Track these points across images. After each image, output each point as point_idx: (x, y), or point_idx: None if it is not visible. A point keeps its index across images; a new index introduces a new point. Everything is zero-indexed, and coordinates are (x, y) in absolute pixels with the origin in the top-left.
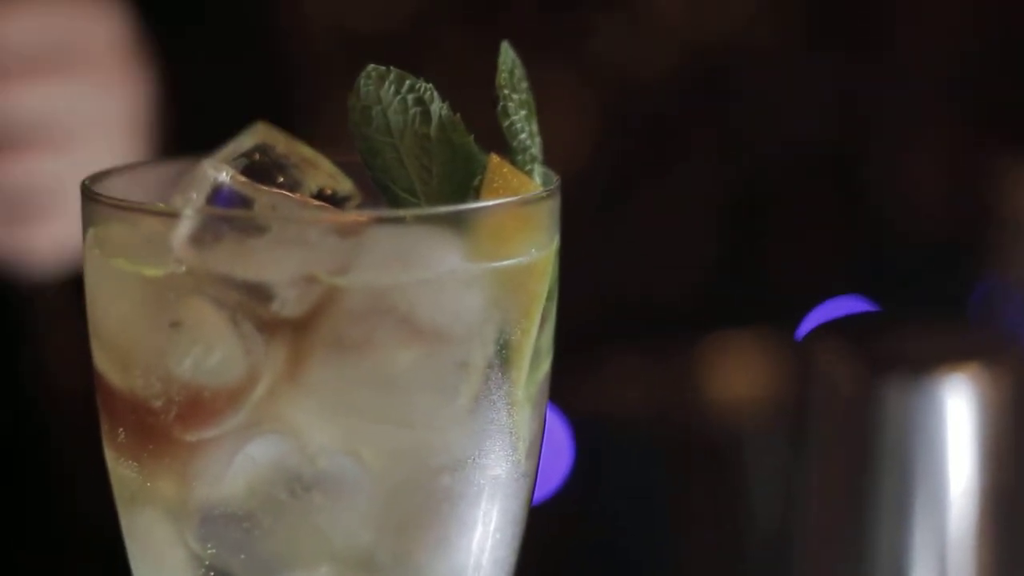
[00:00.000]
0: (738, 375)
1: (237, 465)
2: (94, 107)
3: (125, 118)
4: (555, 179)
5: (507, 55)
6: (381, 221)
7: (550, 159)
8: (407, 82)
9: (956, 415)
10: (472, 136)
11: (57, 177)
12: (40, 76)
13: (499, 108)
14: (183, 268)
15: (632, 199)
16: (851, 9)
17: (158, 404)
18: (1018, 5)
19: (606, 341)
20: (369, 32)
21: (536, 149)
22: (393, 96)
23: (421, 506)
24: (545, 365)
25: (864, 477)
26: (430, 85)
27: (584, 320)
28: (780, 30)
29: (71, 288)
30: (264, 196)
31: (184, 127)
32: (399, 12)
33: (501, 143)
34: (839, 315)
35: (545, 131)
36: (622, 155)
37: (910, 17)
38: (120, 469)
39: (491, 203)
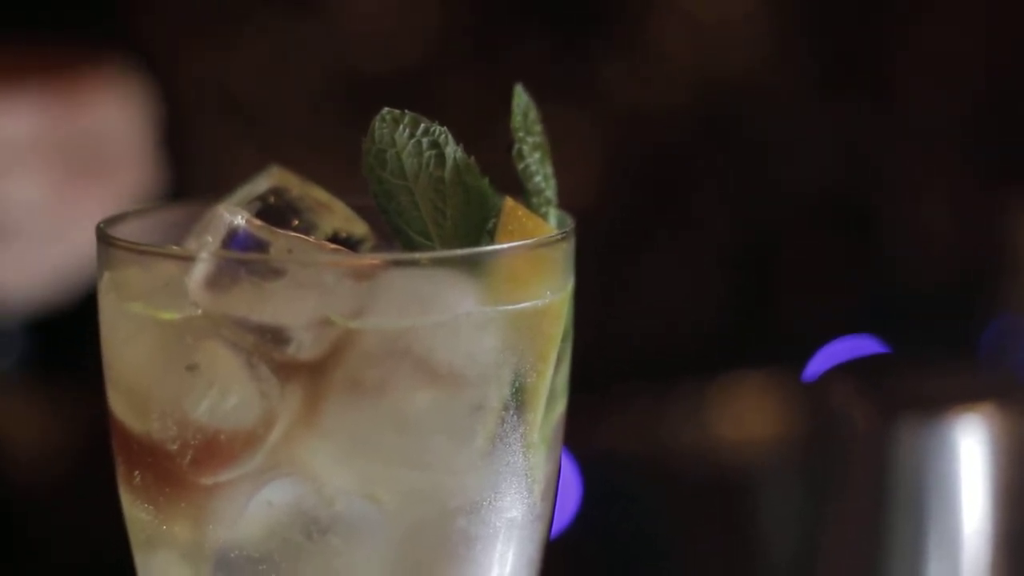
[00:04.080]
0: (750, 416)
1: (253, 508)
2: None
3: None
4: (569, 222)
5: (521, 98)
6: (396, 264)
7: (559, 200)
8: (421, 125)
9: (969, 455)
10: (487, 179)
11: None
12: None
13: (514, 151)
14: (199, 311)
15: (641, 240)
16: (861, 54)
17: (174, 447)
18: None
19: (615, 381)
20: (377, 73)
21: (551, 192)
22: (408, 139)
23: (437, 548)
24: (560, 407)
25: (878, 517)
26: (444, 128)
27: (593, 360)
28: (790, 75)
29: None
30: (280, 239)
31: None
32: (407, 53)
33: (515, 186)
34: (849, 355)
35: (554, 171)
36: (631, 196)
37: (919, 62)
38: (136, 512)
39: (506, 246)
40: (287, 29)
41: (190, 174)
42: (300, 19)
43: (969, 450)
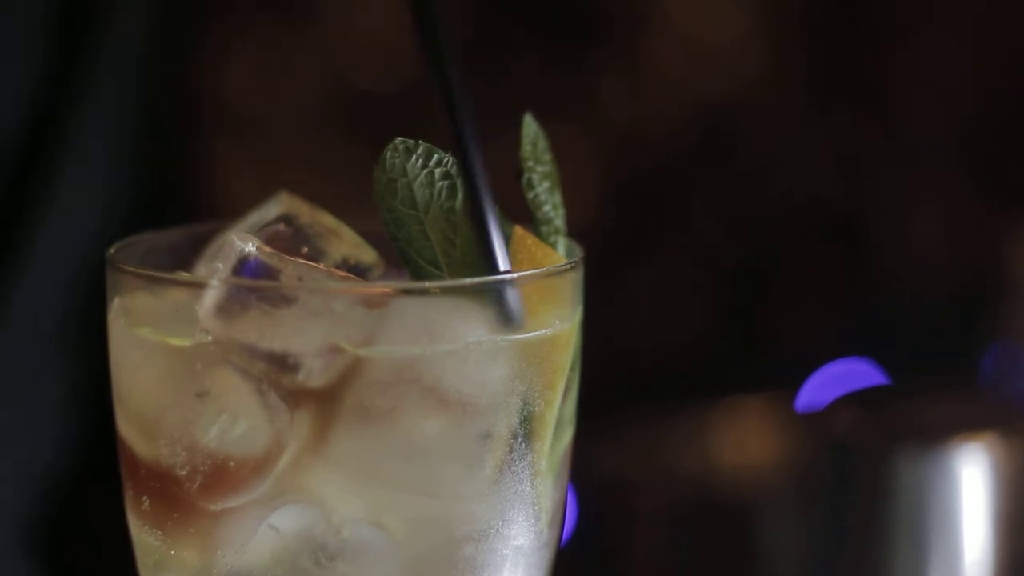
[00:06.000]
0: (749, 442)
1: (261, 534)
2: None
3: None
4: (579, 251)
5: (530, 127)
6: (407, 293)
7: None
8: (435, 156)
9: (970, 483)
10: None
11: None
12: None
13: (523, 180)
14: (209, 338)
15: (635, 262)
16: (855, 71)
17: (183, 473)
18: (1021, 66)
19: (609, 402)
20: (375, 89)
21: (560, 221)
22: (420, 170)
23: None
24: (568, 435)
25: (879, 545)
26: (456, 159)
27: (586, 381)
28: (784, 92)
29: None
30: (290, 267)
31: None
32: (404, 69)
33: (525, 214)
34: (844, 378)
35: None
36: (624, 218)
37: (914, 79)
38: (144, 537)
39: (515, 275)
40: (284, 44)
41: (186, 191)
42: (297, 35)
43: (970, 479)
